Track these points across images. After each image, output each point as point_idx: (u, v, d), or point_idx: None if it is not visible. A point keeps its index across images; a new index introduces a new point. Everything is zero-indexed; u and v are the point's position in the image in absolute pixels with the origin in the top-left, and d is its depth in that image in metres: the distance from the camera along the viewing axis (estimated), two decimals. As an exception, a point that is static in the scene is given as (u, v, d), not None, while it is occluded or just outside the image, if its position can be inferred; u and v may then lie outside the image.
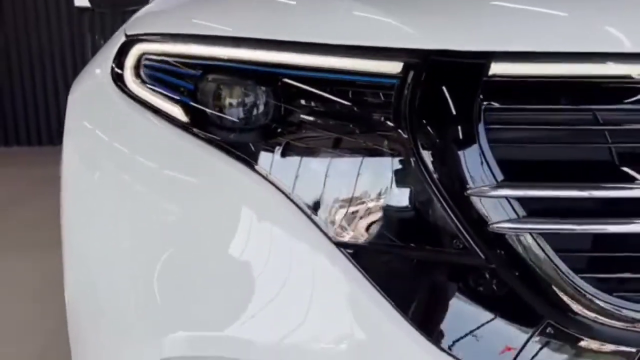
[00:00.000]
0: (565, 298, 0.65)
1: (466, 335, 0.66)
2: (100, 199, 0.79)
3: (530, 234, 0.64)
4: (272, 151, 0.73)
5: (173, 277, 0.72)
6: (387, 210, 0.68)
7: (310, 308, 0.68)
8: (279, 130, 0.74)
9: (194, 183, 0.76)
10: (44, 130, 5.88)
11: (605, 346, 0.66)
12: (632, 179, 0.65)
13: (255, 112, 0.76)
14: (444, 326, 0.67)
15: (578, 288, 0.64)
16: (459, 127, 0.66)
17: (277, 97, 0.75)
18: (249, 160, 0.74)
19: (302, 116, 0.73)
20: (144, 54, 0.87)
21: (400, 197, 0.68)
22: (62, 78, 5.56)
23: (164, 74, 0.84)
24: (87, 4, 2.32)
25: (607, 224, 0.65)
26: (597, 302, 0.64)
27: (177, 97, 0.81)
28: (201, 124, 0.78)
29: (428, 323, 0.67)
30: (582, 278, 0.65)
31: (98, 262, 0.76)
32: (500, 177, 0.65)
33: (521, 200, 0.66)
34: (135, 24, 0.95)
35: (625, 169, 0.64)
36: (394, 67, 0.70)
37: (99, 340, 0.76)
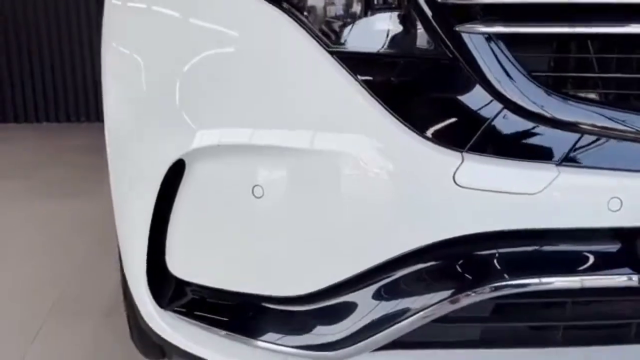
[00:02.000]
0: (516, 90, 0.79)
1: (438, 121, 0.81)
2: (141, 26, 0.92)
3: (489, 35, 0.78)
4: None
5: (206, 78, 0.86)
6: (372, 18, 0.82)
7: (316, 100, 0.83)
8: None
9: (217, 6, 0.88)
10: (72, 108, 6.13)
11: (548, 132, 0.80)
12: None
13: None
14: (418, 113, 0.81)
15: (526, 82, 0.78)
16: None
17: None
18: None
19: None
20: None
21: (381, 7, 0.82)
22: (90, 59, 5.78)
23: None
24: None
25: (554, 27, 0.79)
26: (541, 95, 0.79)
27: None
28: None
29: (408, 113, 0.81)
30: (532, 76, 0.79)
31: (147, 71, 0.89)
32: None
33: (483, 8, 0.79)
34: None
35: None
36: None
37: (147, 138, 0.91)
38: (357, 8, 0.83)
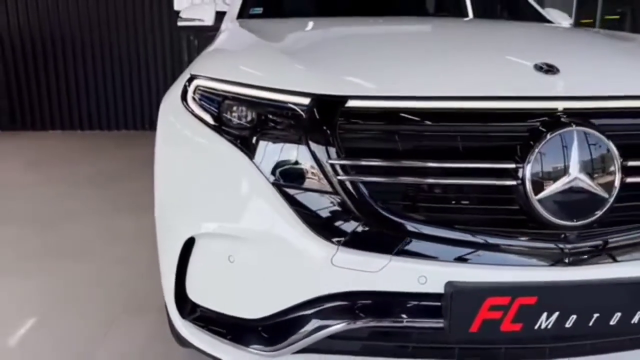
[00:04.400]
0: (369, 212, 1.40)
1: (325, 226, 1.43)
2: (174, 155, 1.66)
3: (356, 181, 1.40)
4: (251, 138, 1.52)
5: (203, 193, 1.56)
6: (293, 168, 1.46)
7: (260, 214, 1.48)
8: (255, 129, 1.52)
9: (214, 152, 1.58)
10: (147, 117, 6.96)
11: (387, 236, 1.41)
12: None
13: (245, 119, 1.55)
14: (315, 221, 1.44)
15: (374, 207, 1.39)
16: (327, 129, 1.43)
17: (256, 113, 1.53)
18: (239, 143, 1.54)
19: (266, 122, 1.52)
20: (198, 85, 1.68)
21: (301, 161, 1.45)
22: (163, 79, 6.62)
23: (205, 98, 1.65)
24: (185, 24, 3.27)
25: (399, 176, 1.40)
26: (384, 215, 1.39)
27: (210, 110, 1.61)
28: (219, 126, 1.58)
29: (310, 221, 1.44)
30: (380, 203, 1.39)
31: (177, 185, 1.64)
32: (343, 155, 1.41)
33: (353, 167, 1.40)
34: (195, 66, 1.78)
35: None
36: (304, 100, 1.46)
37: (175, 222, 1.63)
38: (286, 163, 1.48)
